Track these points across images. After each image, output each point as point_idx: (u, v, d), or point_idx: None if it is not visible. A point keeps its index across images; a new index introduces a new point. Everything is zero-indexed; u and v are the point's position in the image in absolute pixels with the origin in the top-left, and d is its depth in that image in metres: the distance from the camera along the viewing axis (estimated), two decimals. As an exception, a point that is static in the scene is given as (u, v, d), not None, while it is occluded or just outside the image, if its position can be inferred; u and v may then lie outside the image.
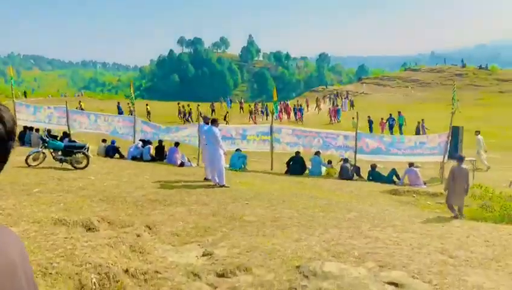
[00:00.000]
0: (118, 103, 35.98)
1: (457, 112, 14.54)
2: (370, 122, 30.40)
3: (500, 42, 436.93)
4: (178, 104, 38.18)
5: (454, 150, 14.86)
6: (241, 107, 44.41)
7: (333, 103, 46.10)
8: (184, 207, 7.94)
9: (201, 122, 12.06)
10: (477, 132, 18.81)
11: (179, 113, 35.65)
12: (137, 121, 18.43)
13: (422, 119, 27.06)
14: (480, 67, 67.06)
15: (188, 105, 36.43)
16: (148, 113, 34.70)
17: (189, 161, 15.18)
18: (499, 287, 5.01)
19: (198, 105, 37.17)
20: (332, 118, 35.84)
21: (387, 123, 30.22)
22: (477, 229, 7.95)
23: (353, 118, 33.91)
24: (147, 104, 36.99)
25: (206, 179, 10.96)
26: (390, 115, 30.64)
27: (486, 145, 19.11)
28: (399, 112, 30.95)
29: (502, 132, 29.59)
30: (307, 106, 43.59)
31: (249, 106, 42.26)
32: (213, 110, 37.25)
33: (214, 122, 10.72)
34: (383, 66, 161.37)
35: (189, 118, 34.27)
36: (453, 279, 5.15)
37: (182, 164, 14.75)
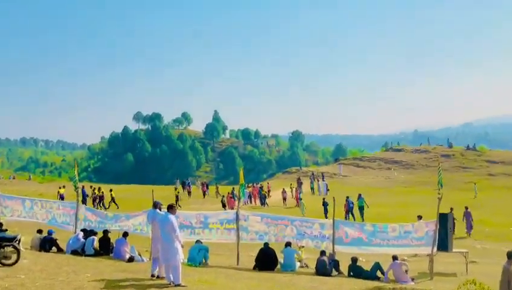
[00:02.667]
0: (83, 186, 35.29)
1: (442, 196, 14.86)
2: (325, 204, 30.15)
3: (486, 121, 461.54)
4: (91, 187, 37.23)
5: (443, 240, 15.00)
6: (202, 191, 44.27)
7: (312, 189, 46.61)
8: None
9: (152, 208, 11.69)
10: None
11: (93, 197, 34.44)
12: (81, 208, 18.00)
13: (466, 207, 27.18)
14: (468, 148, 70.03)
15: (99, 188, 35.68)
16: (113, 199, 34.07)
17: (140, 255, 14.69)
18: None
19: (111, 190, 36.30)
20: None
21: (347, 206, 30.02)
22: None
23: (301, 199, 35.21)
24: (110, 190, 36.32)
25: (154, 277, 10.60)
26: (347, 197, 30.63)
27: (478, 236, 20.01)
28: (359, 195, 31.28)
29: (495, 218, 30.32)
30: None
31: (216, 187, 42.28)
32: (177, 197, 36.17)
33: (171, 208, 10.52)
34: (362, 145, 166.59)
35: (100, 204, 33.43)
36: None
37: (131, 259, 14.25)
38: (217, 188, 44.88)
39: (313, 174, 57.61)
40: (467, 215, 26.18)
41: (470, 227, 26.14)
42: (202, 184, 47.43)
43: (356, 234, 15.39)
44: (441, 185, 15.20)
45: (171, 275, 9.93)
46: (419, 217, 18.87)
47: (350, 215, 29.47)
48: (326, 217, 28.00)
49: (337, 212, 16.20)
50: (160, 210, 11.28)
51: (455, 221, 22.64)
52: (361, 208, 29.63)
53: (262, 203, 37.62)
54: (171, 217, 10.27)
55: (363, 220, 17.37)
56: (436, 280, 13.90)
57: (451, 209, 23.91)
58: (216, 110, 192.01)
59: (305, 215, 27.53)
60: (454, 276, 14.35)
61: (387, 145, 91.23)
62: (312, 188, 46.55)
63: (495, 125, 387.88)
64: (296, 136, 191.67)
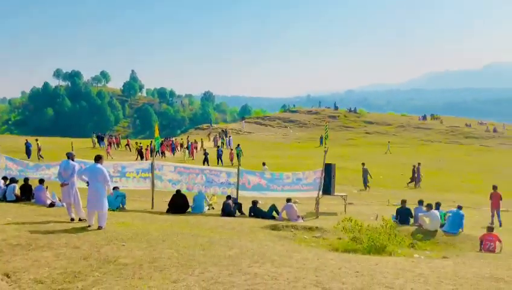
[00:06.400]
0: (26, 140, 32.39)
1: (328, 150, 15.61)
2: (206, 154, 32.80)
3: (366, 88, 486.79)
4: (36, 140, 34.91)
5: (327, 185, 15.86)
6: (117, 143, 42.82)
7: (222, 143, 46.52)
8: (51, 251, 7.25)
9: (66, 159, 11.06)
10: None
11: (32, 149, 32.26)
12: (1, 157, 16.69)
13: (419, 164, 28.20)
14: (350, 111, 73.73)
15: (36, 140, 33.57)
16: (39, 149, 31.67)
17: (60, 201, 14.02)
18: (366, 314, 5.33)
19: (37, 139, 34.25)
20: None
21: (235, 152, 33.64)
22: (349, 261, 8.46)
23: (181, 145, 37.16)
24: (36, 139, 33.69)
25: (74, 220, 10.24)
26: (238, 145, 35.27)
27: (355, 183, 21.49)
28: (238, 145, 35.91)
29: (369, 169, 32.40)
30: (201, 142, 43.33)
31: (136, 143, 40.85)
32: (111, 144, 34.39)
33: (99, 159, 10.08)
34: (264, 106, 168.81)
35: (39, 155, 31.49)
36: (326, 310, 5.36)
37: (52, 205, 13.57)
38: (128, 142, 43.88)
39: (222, 130, 57.87)
40: (417, 170, 27.23)
41: (418, 180, 27.13)
42: (110, 136, 46.15)
43: (257, 181, 15.80)
44: (323, 141, 15.95)
45: (93, 220, 9.62)
46: (263, 164, 23.63)
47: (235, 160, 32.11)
48: (219, 162, 32.00)
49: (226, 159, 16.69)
50: (73, 160, 10.79)
51: (369, 174, 25.24)
52: (238, 155, 32.41)
53: (189, 155, 37.62)
54: (102, 167, 9.86)
55: (239, 164, 17.97)
56: (321, 218, 14.67)
57: (363, 164, 25.92)
58: (133, 69, 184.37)
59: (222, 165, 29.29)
60: (335, 215, 15.19)
61: (285, 107, 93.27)
62: (222, 143, 47.02)
63: (373, 91, 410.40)
64: (207, 97, 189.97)
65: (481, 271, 8.08)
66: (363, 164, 25.76)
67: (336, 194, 16.73)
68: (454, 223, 13.08)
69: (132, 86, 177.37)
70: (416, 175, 27.06)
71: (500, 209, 15.92)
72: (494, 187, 15.79)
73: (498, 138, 55.46)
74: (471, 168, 35.56)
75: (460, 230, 13.08)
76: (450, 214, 13.36)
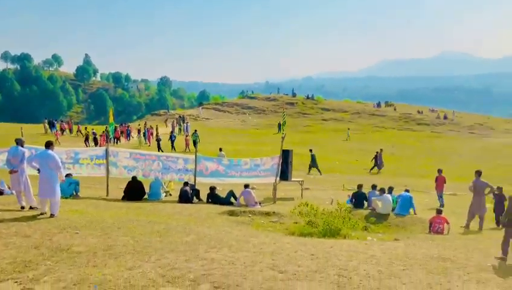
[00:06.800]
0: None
1: (285, 136, 15.77)
2: (158, 140, 33.00)
3: (324, 75, 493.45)
4: None
5: (285, 171, 16.06)
6: (69, 129, 41.73)
7: (180, 129, 45.99)
8: (0, 240, 7.00)
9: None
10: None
11: None
12: None
13: (381, 150, 28.92)
14: (308, 97, 74.56)
15: None
16: None
17: (9, 189, 13.47)
18: (321, 295, 5.50)
19: None
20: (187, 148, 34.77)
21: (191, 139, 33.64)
22: (305, 244, 8.66)
23: (139, 131, 37.28)
24: None
25: (25, 208, 9.91)
26: (195, 131, 35.05)
27: (313, 168, 21.95)
28: (195, 130, 35.62)
29: (326, 155, 33.10)
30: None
31: (85, 128, 39.68)
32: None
33: (50, 145, 9.75)
34: (222, 92, 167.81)
35: None
36: (282, 292, 5.48)
37: (0, 193, 13.04)
38: (79, 127, 43.08)
39: (179, 116, 57.15)
40: (379, 156, 28.11)
41: (380, 166, 28.02)
42: (62, 122, 44.93)
43: (215, 167, 15.78)
44: (281, 127, 16.12)
45: (46, 207, 9.34)
46: (220, 150, 24.09)
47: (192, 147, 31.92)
48: (172, 148, 32.27)
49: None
50: (22, 146, 10.41)
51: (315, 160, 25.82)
52: (194, 142, 32.01)
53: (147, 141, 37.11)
54: (54, 153, 9.55)
55: (196, 151, 17.90)
56: (278, 204, 14.86)
57: (311, 150, 26.49)
58: (87, 53, 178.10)
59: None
60: (292, 200, 15.41)
61: (244, 93, 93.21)
62: (180, 129, 46.53)
63: (330, 79, 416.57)
64: (164, 82, 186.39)
65: (430, 252, 8.48)
66: (310, 150, 26.40)
67: (293, 179, 16.97)
68: (404, 205, 13.75)
69: (86, 70, 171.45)
70: (378, 161, 27.96)
71: (444, 192, 16.69)
72: (439, 171, 16.54)
73: (448, 125, 57.79)
74: (422, 153, 36.98)
75: (411, 211, 13.73)
76: (399, 198, 13.97)
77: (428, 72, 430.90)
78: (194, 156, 15.74)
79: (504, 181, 16.64)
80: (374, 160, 28.20)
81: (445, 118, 60.68)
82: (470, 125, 57.69)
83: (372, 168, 28.11)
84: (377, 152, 28.47)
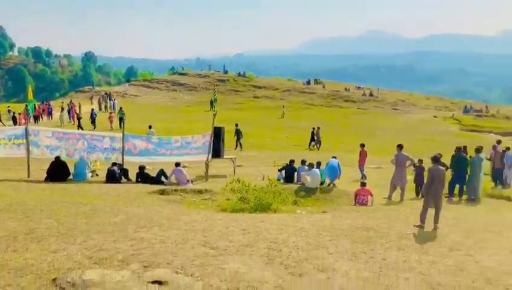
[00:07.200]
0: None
1: (217, 114, 15.73)
2: (78, 119, 31.98)
3: (254, 53, 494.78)
4: None
5: (217, 149, 16.05)
6: None
7: (106, 107, 44.25)
8: None
9: None
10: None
11: None
12: None
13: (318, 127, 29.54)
14: (239, 75, 74.46)
15: None
16: None
17: None
18: (252, 270, 5.62)
19: None
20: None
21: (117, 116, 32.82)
22: (236, 220, 8.77)
23: (62, 108, 35.94)
24: None
25: None
26: (121, 108, 33.92)
27: (246, 146, 22.14)
28: (120, 107, 34.66)
29: (257, 132, 33.47)
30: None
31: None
32: None
33: None
34: (152, 69, 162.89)
35: None
36: (214, 268, 5.54)
37: None
38: None
39: (105, 93, 54.86)
40: (317, 133, 28.96)
41: (318, 142, 28.79)
42: None
43: (144, 146, 15.40)
44: (213, 104, 16.03)
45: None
46: (150, 127, 23.77)
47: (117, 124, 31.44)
48: (93, 124, 31.56)
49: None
50: None
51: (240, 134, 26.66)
52: (121, 119, 30.48)
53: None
54: None
55: (120, 127, 17.39)
56: (210, 181, 14.89)
57: (237, 124, 26.94)
58: (1, 25, 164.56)
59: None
60: (225, 177, 15.47)
61: (174, 69, 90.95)
62: (106, 106, 44.78)
63: (261, 56, 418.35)
64: (89, 57, 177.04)
65: (355, 222, 8.92)
66: (236, 125, 26.75)
67: (225, 157, 17.01)
68: (332, 170, 14.55)
69: (1, 44, 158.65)
70: (316, 137, 28.96)
71: (368, 165, 17.61)
72: (362, 145, 17.37)
73: (373, 102, 60.35)
74: (349, 129, 38.47)
75: (339, 174, 14.68)
76: (328, 165, 14.76)
77: (355, 51, 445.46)
78: (121, 135, 15.24)
79: (423, 154, 17.73)
80: (311, 137, 29.17)
81: (370, 95, 63.26)
82: (393, 102, 60.63)
83: (310, 144, 29.12)
84: (313, 128, 29.42)
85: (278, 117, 44.77)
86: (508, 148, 15.71)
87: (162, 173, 14.51)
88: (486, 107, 58.01)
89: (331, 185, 14.44)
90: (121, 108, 34.10)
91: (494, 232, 8.68)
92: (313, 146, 28.98)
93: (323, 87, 68.86)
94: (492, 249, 7.39)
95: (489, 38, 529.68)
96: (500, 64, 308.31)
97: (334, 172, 14.54)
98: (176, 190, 12.86)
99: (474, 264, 6.46)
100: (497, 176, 15.55)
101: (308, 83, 71.89)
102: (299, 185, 14.33)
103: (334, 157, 15.53)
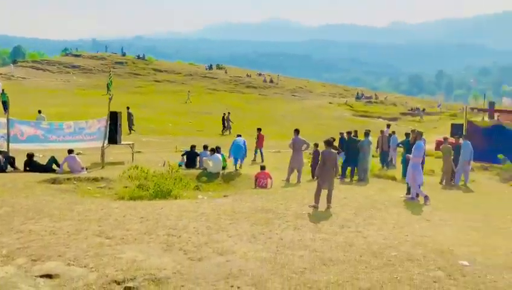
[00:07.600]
0: None
1: (114, 98, 15.04)
2: None
3: (154, 36, 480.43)
4: None
5: (113, 134, 15.35)
6: None
7: None
8: None
9: None
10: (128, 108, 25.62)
11: None
12: None
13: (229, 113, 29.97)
14: (139, 57, 71.91)
15: None
16: None
17: None
18: (150, 257, 5.52)
19: None
20: None
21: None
22: (134, 208, 8.54)
23: None
24: None
25: None
26: (3, 90, 30.40)
27: (147, 131, 21.57)
28: (2, 90, 30.99)
29: (158, 117, 32.73)
30: None
31: None
32: None
33: None
34: (42, 49, 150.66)
35: None
36: (109, 258, 5.35)
37: None
38: None
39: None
40: (227, 119, 29.49)
41: (229, 127, 29.25)
42: None
43: (32, 132, 14.30)
44: (109, 88, 15.38)
45: None
46: (39, 112, 22.10)
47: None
48: None
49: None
50: None
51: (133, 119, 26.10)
52: (4, 103, 27.57)
53: None
54: None
55: (5, 112, 15.98)
56: (107, 168, 14.26)
57: (128, 108, 26.40)
58: None
59: None
60: (122, 164, 14.89)
61: (67, 50, 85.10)
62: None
63: (162, 39, 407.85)
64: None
65: (254, 205, 9.17)
66: (128, 108, 26.21)
67: (122, 143, 16.37)
68: (237, 149, 14.85)
69: None
70: (226, 123, 29.52)
71: (265, 148, 18.20)
72: (259, 129, 17.89)
73: (273, 88, 62.01)
74: (251, 115, 39.16)
75: (244, 152, 15.02)
76: (233, 143, 15.08)
77: (256, 37, 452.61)
78: (5, 120, 13.96)
79: (319, 138, 18.48)
80: (222, 122, 29.72)
81: (271, 81, 64.86)
82: (292, 88, 62.85)
83: (223, 130, 29.54)
84: (224, 114, 30.20)
85: (182, 102, 44.11)
86: (393, 132, 17.17)
87: (53, 160, 13.61)
88: (375, 94, 62.60)
89: (239, 166, 14.71)
90: (3, 90, 30.81)
91: (381, 209, 9.44)
92: (225, 130, 29.34)
93: (225, 72, 69.16)
94: (378, 225, 8.03)
95: (381, 29, 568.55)
96: (387, 54, 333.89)
97: (239, 150, 14.77)
98: (69, 179, 12.15)
99: (363, 239, 6.98)
100: (384, 158, 16.93)
101: (211, 67, 71.72)
102: (201, 170, 14.33)
103: (239, 135, 15.94)
